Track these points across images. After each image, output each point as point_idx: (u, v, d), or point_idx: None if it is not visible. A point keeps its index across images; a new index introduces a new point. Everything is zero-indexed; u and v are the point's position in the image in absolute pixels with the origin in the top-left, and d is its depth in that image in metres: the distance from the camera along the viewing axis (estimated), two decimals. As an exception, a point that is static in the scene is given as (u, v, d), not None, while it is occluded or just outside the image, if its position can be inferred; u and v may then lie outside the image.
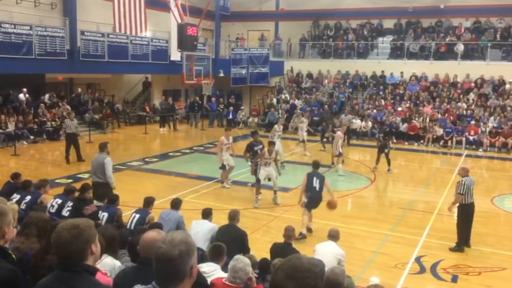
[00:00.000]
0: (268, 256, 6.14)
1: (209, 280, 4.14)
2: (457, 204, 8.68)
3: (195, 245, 2.07)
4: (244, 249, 6.23)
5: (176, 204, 7.41)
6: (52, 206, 7.43)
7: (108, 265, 4.09)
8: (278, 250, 6.20)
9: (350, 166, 16.13)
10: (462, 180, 8.49)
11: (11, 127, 17.58)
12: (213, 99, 26.04)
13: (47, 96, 21.05)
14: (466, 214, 8.61)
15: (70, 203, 7.34)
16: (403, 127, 21.24)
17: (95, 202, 7.40)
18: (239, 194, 12.38)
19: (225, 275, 4.45)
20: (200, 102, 25.65)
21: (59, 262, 2.31)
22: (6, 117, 17.76)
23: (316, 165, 9.54)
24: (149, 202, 7.45)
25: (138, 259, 3.13)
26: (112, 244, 4.35)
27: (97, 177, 9.25)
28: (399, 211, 11.10)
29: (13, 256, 3.11)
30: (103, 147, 9.38)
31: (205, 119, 25.53)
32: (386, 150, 14.82)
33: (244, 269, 4.20)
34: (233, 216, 6.77)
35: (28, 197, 7.45)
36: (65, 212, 7.18)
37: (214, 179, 13.41)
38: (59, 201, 7.50)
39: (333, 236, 6.42)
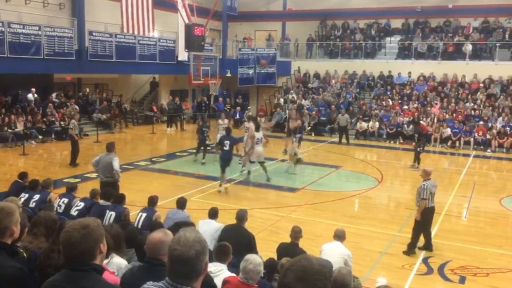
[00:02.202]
0: (274, 256, 6.14)
1: (215, 280, 4.14)
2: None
3: (206, 241, 2.10)
4: (251, 251, 6.21)
5: (181, 203, 7.42)
6: (59, 206, 7.44)
7: (116, 264, 4.11)
8: (284, 250, 6.19)
9: (357, 167, 16.10)
10: (424, 185, 8.23)
11: (19, 127, 17.72)
12: (220, 99, 26.07)
13: (54, 95, 21.17)
14: (427, 218, 8.38)
15: (78, 202, 7.36)
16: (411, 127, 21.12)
17: (101, 201, 7.41)
18: (245, 194, 12.38)
19: (231, 274, 4.46)
20: (207, 102, 25.67)
21: (67, 262, 2.33)
22: (15, 117, 17.91)
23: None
24: (153, 201, 7.47)
25: (145, 258, 3.14)
26: (118, 242, 4.37)
27: (105, 176, 9.30)
28: (406, 212, 11.04)
29: (25, 254, 3.14)
30: (111, 148, 9.41)
31: (212, 119, 25.52)
32: (419, 149, 15.66)
33: (255, 269, 4.22)
34: (241, 216, 6.73)
35: (37, 196, 7.48)
36: (73, 212, 7.19)
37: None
38: (66, 200, 7.51)
39: (339, 236, 6.40)
